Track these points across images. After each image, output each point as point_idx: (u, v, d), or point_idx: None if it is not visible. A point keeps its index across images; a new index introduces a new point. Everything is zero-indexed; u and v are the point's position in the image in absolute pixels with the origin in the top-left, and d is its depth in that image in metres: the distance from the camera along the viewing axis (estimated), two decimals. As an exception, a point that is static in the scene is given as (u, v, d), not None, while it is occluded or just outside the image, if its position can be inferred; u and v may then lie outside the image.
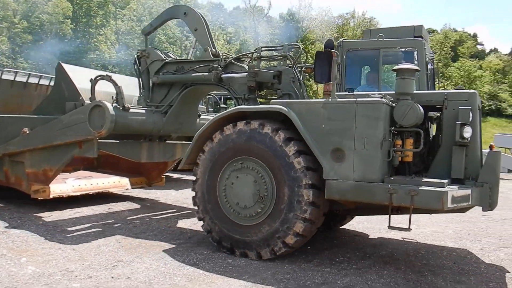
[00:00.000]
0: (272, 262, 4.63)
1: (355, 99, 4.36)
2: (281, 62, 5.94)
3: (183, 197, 8.71)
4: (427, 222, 7.00)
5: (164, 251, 4.97)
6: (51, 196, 6.52)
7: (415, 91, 4.68)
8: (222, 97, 13.76)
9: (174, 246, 5.20)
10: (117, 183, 7.83)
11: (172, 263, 4.56)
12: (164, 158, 7.46)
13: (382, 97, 4.36)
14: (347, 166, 4.32)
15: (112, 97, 6.13)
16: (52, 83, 7.95)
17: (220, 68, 6.16)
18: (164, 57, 6.87)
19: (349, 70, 8.32)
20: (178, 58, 7.28)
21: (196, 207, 5.15)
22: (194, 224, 6.40)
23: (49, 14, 41.64)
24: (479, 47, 67.48)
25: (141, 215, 6.91)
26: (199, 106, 7.82)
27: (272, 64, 6.93)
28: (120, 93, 6.12)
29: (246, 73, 5.92)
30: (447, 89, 5.32)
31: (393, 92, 4.73)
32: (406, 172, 4.61)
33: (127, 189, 8.04)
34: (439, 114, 4.75)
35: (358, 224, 6.72)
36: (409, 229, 4.31)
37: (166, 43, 40.27)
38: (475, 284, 4.22)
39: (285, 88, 5.70)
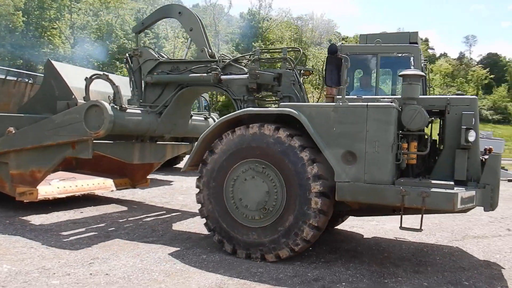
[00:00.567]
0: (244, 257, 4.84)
1: (366, 103, 4.45)
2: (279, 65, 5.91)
3: (150, 196, 8.75)
4: (386, 219, 7.39)
5: (139, 248, 5.06)
6: (38, 199, 6.26)
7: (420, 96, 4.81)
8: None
9: (147, 244, 5.29)
10: (101, 185, 7.56)
11: (148, 259, 4.67)
12: (156, 159, 7.31)
13: (392, 102, 4.48)
14: (358, 168, 4.39)
15: (109, 96, 5.94)
16: (31, 81, 7.66)
17: (219, 69, 6.12)
18: (158, 56, 6.74)
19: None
20: (172, 58, 7.06)
21: (199, 204, 5.09)
22: (164, 222, 6.50)
23: (-2, 5, 39.70)
24: (430, 51, 70.64)
25: (111, 214, 6.93)
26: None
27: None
28: (118, 92, 5.92)
29: (245, 75, 5.90)
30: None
31: (390, 96, 4.82)
32: (410, 174, 4.72)
33: (112, 190, 7.79)
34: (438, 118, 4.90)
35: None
36: (420, 230, 4.44)
37: (123, 39, 39.46)
38: (432, 273, 4.61)
39: (285, 91, 5.73)
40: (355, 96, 5.10)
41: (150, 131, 6.53)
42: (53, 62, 6.63)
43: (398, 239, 6.13)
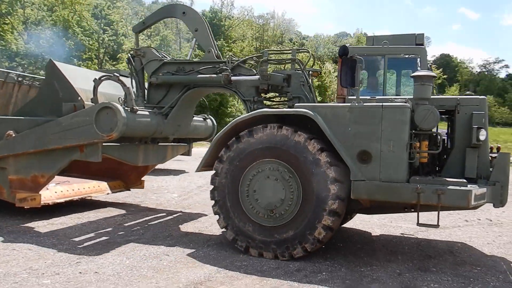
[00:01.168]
0: (227, 252, 5.04)
1: (381, 104, 4.61)
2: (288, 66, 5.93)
3: (123, 196, 8.72)
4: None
5: (122, 247, 5.14)
6: (41, 204, 6.00)
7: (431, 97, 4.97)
8: None
9: (130, 242, 5.37)
10: (97, 188, 7.34)
11: (134, 257, 4.77)
12: (157, 160, 7.21)
13: (406, 102, 4.65)
14: (374, 167, 4.55)
15: (119, 98, 5.82)
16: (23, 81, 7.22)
17: (229, 70, 6.09)
18: (162, 57, 6.64)
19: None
20: (177, 58, 6.90)
21: (213, 201, 5.13)
22: (143, 221, 6.58)
23: None
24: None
25: (87, 215, 6.90)
26: None
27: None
28: (130, 94, 5.78)
29: (254, 76, 5.94)
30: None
31: (400, 96, 5.03)
32: (420, 173, 4.90)
33: (107, 193, 7.60)
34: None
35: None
36: (437, 226, 4.65)
37: (81, 35, 38.41)
38: (403, 262, 4.99)
39: (295, 92, 5.80)
40: (369, 97, 5.27)
41: (157, 133, 6.42)
42: (55, 62, 6.28)
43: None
